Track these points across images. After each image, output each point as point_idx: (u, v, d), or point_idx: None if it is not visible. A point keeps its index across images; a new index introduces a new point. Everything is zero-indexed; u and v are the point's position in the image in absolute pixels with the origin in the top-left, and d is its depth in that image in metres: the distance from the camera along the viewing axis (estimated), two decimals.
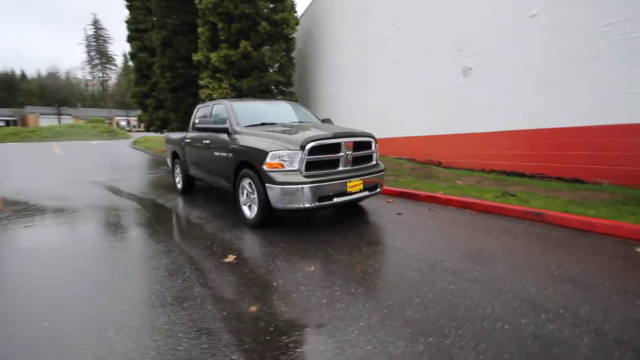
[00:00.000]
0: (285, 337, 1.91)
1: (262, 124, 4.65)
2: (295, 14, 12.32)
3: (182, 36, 13.93)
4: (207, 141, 5.10)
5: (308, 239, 3.62)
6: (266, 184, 3.72)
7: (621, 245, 3.08)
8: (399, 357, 1.72)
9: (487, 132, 6.53)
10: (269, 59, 11.62)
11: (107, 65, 59.03)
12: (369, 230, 3.91)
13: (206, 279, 2.70)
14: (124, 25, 17.61)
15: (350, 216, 4.47)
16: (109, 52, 58.56)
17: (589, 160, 4.96)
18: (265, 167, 3.73)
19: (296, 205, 3.61)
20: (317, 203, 3.64)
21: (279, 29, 11.82)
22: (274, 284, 2.56)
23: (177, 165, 6.72)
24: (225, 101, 5.08)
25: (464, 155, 7.02)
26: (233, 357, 1.75)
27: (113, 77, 61.60)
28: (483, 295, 2.30)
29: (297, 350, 1.81)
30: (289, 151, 3.65)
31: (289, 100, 6.51)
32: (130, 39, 17.14)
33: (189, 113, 14.95)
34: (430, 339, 1.85)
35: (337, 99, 12.10)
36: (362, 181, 3.99)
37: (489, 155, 6.51)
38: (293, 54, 12.70)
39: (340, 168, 3.94)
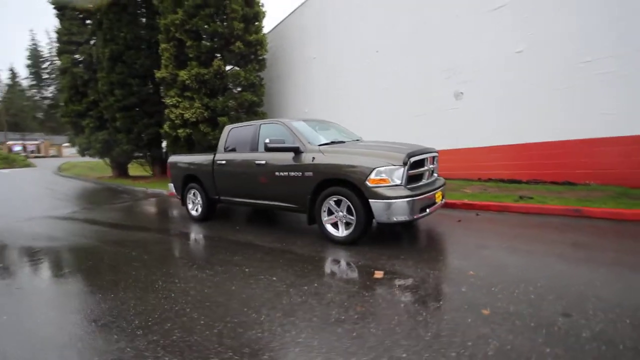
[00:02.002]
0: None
1: (332, 142, 4.72)
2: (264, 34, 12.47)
3: (135, 51, 12.76)
4: (262, 161, 4.90)
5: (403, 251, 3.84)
6: (370, 200, 3.82)
7: None
8: None
9: (479, 147, 7.58)
10: (244, 79, 11.44)
11: None
12: (447, 236, 4.29)
13: (389, 296, 2.71)
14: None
15: (418, 229, 4.79)
16: None
17: (575, 167, 6.21)
18: (368, 184, 3.83)
19: (401, 218, 3.77)
20: (417, 215, 3.88)
21: (253, 50, 11.80)
22: (444, 286, 2.72)
23: (193, 191, 6.19)
24: (283, 121, 4.99)
25: (458, 167, 7.96)
26: None
27: None
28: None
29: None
30: (393, 167, 3.82)
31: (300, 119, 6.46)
32: (60, 52, 14.90)
33: (143, 134, 13.60)
34: None
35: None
36: (441, 192, 4.37)
37: (483, 167, 7.54)
38: (262, 74, 12.73)
39: (425, 181, 4.26)
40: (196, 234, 5.25)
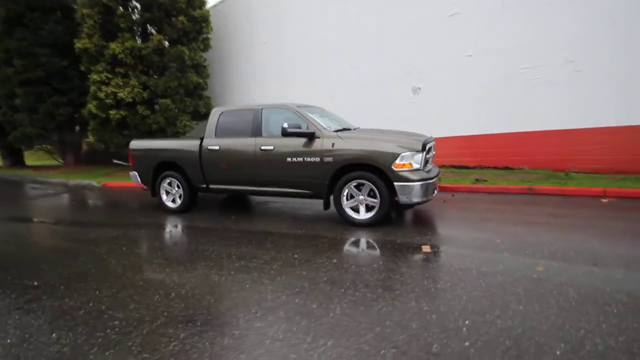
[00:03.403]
0: None
1: (344, 129, 4.79)
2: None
3: (41, 14, 10.34)
4: (269, 147, 4.70)
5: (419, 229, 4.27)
6: (395, 183, 4.07)
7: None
8: None
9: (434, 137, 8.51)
10: (189, 58, 10.43)
11: None
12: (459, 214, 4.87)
13: (442, 272, 3.01)
14: None
15: (416, 209, 5.25)
16: None
17: (512, 155, 7.53)
18: (394, 168, 4.08)
19: (420, 199, 4.13)
20: (430, 196, 4.30)
21: (198, 27, 10.80)
22: (488, 252, 3.18)
23: (169, 180, 5.55)
24: (291, 105, 4.82)
25: None
26: None
27: None
28: None
29: None
30: (415, 152, 4.14)
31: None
32: None
33: (54, 115, 11.19)
34: None
35: None
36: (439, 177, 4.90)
37: (437, 155, 8.49)
38: (205, 54, 11.77)
39: (430, 167, 4.72)
40: (190, 226, 4.77)
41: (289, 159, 4.60)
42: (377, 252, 3.45)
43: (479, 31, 7.61)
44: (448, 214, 4.89)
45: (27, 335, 2.12)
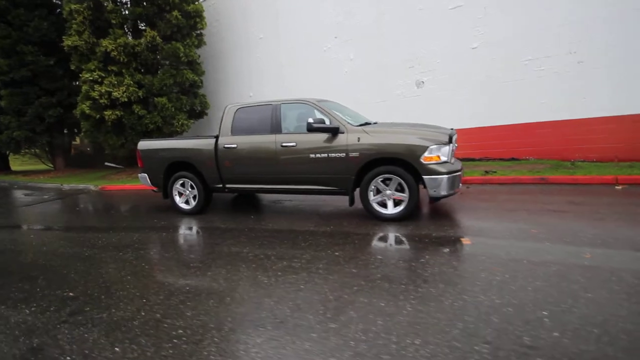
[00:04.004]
0: None
1: (366, 124, 4.74)
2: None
3: (26, 10, 9.80)
4: (291, 144, 4.60)
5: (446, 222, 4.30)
6: (424, 176, 4.05)
7: None
8: None
9: None
10: (184, 55, 10.14)
11: None
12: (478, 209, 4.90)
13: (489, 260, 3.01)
14: None
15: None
16: None
17: (518, 145, 7.65)
18: (423, 161, 4.05)
19: (448, 192, 4.12)
20: (457, 189, 4.31)
21: (191, 22, 10.50)
22: (529, 242, 3.20)
23: (182, 181, 5.39)
24: (310, 100, 4.72)
25: None
26: None
27: None
28: None
29: None
30: (442, 145, 4.13)
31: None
32: None
33: (43, 117, 10.66)
34: None
35: None
36: None
37: None
38: (199, 51, 11.48)
39: (454, 159, 4.72)
40: (212, 227, 4.63)
41: (312, 155, 4.52)
42: (419, 246, 3.42)
43: (483, 23, 7.67)
44: (470, 206, 4.92)
45: (86, 351, 1.98)
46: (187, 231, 4.61)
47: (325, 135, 4.46)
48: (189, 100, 10.83)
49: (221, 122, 5.19)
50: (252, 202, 6.14)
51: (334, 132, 4.40)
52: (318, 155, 4.49)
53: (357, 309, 2.22)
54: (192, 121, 11.11)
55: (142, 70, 10.02)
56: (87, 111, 9.24)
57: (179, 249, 3.89)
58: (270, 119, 4.84)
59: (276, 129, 4.78)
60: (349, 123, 4.47)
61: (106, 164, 12.58)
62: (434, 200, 4.36)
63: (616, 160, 6.53)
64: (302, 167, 4.61)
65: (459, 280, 2.53)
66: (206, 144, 5.20)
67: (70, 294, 2.78)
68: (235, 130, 5.05)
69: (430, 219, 4.31)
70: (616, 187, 5.25)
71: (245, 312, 2.29)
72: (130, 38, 9.75)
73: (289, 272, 2.88)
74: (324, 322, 2.09)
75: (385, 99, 9.16)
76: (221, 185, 5.23)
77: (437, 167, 4.04)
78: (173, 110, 10.00)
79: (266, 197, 6.40)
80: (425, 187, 4.10)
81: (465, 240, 3.40)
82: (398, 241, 3.62)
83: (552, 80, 7.12)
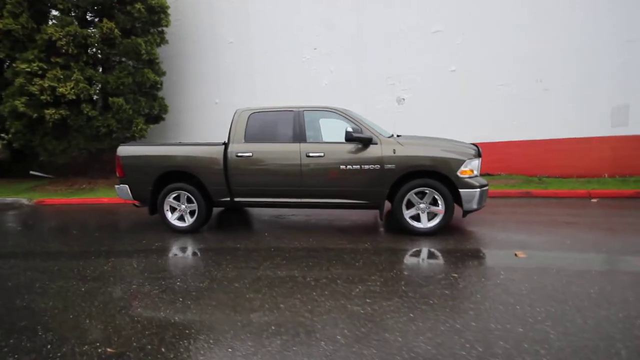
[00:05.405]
0: None
1: (399, 135, 4.61)
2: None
3: None
4: (318, 154, 4.24)
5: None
6: (461, 190, 4.04)
7: None
8: None
9: None
10: (145, 52, 9.06)
11: None
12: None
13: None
14: None
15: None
16: None
17: (491, 162, 8.25)
18: (459, 174, 4.05)
19: (478, 206, 4.15)
20: (483, 204, 4.38)
21: (155, 18, 9.47)
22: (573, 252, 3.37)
23: (176, 194, 4.62)
24: (339, 109, 4.43)
25: None
26: None
27: None
28: None
29: None
30: (474, 159, 4.19)
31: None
32: None
33: None
34: None
35: (224, 112, 11.01)
36: None
37: None
38: (160, 50, 10.38)
39: None
40: (225, 249, 3.98)
41: (342, 167, 4.23)
42: (479, 261, 3.34)
43: (461, 48, 8.25)
44: (484, 219, 5.03)
45: None
46: (200, 254, 3.89)
47: (356, 146, 4.21)
48: (148, 103, 9.64)
49: (231, 127, 4.60)
50: (245, 218, 5.55)
51: (368, 142, 4.19)
52: (349, 166, 4.21)
53: (460, 333, 2.00)
54: (150, 126, 9.87)
55: (94, 65, 8.63)
56: (22, 109, 7.53)
57: (213, 278, 3.15)
58: (293, 126, 4.44)
59: (300, 137, 4.39)
60: (380, 134, 4.31)
61: (32, 172, 10.52)
62: (466, 213, 4.38)
63: (575, 176, 7.44)
64: (331, 179, 4.28)
65: (555, 294, 2.48)
66: (213, 151, 4.54)
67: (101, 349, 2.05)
68: (249, 137, 4.51)
69: (459, 233, 4.28)
70: (591, 200, 5.93)
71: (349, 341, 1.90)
72: (84, 29, 8.35)
73: (378, 298, 2.54)
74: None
75: (366, 114, 9.22)
76: (229, 199, 4.60)
77: (472, 181, 4.07)
78: (131, 112, 8.77)
79: (264, 212, 5.84)
80: (458, 200, 4.10)
81: (521, 254, 3.42)
82: (453, 257, 3.48)
83: (520, 104, 7.91)
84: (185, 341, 2.06)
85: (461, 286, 2.74)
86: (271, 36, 10.14)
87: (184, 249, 4.09)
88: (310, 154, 4.29)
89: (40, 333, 2.22)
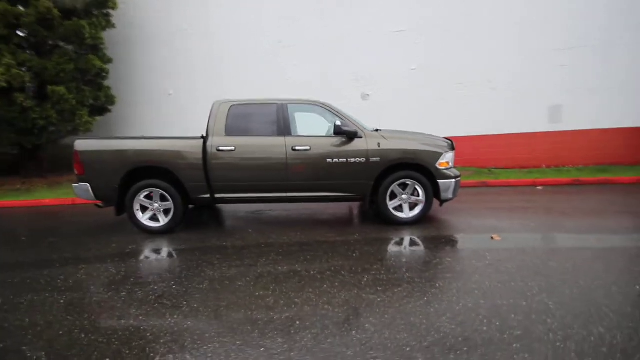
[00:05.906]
0: None
1: (378, 130, 4.71)
2: None
3: None
4: (304, 147, 4.20)
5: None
6: (439, 180, 4.30)
7: None
8: None
9: None
10: (89, 36, 8.17)
11: None
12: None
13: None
14: None
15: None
16: None
17: (472, 155, 8.89)
18: (438, 166, 4.30)
19: (453, 196, 4.47)
20: (457, 194, 4.70)
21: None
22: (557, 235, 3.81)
23: (147, 192, 4.26)
24: (324, 103, 4.41)
25: None
26: None
27: None
28: None
29: None
30: (449, 152, 4.47)
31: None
32: None
33: None
34: None
35: (179, 104, 10.37)
36: None
37: None
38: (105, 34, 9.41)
39: None
40: (211, 247, 3.78)
41: (329, 160, 4.25)
42: (465, 246, 3.61)
43: (421, 48, 8.71)
44: (454, 207, 5.37)
45: None
46: (186, 255, 3.63)
47: (341, 139, 4.27)
48: (93, 93, 8.71)
49: (209, 120, 4.36)
50: (217, 215, 5.36)
51: (354, 136, 4.26)
52: (336, 160, 4.25)
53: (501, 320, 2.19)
54: (95, 118, 8.93)
55: (29, 49, 7.54)
56: None
57: (211, 278, 2.97)
58: (277, 119, 4.34)
59: (284, 130, 4.31)
60: (364, 128, 4.40)
61: None
62: (442, 203, 4.67)
63: (518, 167, 8.33)
64: (317, 173, 4.28)
65: (559, 276, 2.79)
66: (190, 145, 4.27)
67: None
68: (230, 131, 4.32)
69: (437, 221, 4.57)
70: (537, 187, 6.70)
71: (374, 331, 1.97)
72: (16, 7, 7.23)
73: (389, 285, 2.63)
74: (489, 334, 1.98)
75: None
76: (208, 196, 4.36)
77: (448, 172, 4.36)
78: (74, 103, 7.85)
79: (240, 208, 5.64)
80: (436, 190, 4.36)
81: (496, 237, 3.75)
82: (449, 242, 3.71)
83: (475, 102, 8.61)
84: (209, 345, 1.94)
85: (459, 269, 2.95)
86: (230, 25, 9.75)
87: (164, 251, 3.81)
88: (297, 148, 4.24)
89: (29, 354, 1.93)
